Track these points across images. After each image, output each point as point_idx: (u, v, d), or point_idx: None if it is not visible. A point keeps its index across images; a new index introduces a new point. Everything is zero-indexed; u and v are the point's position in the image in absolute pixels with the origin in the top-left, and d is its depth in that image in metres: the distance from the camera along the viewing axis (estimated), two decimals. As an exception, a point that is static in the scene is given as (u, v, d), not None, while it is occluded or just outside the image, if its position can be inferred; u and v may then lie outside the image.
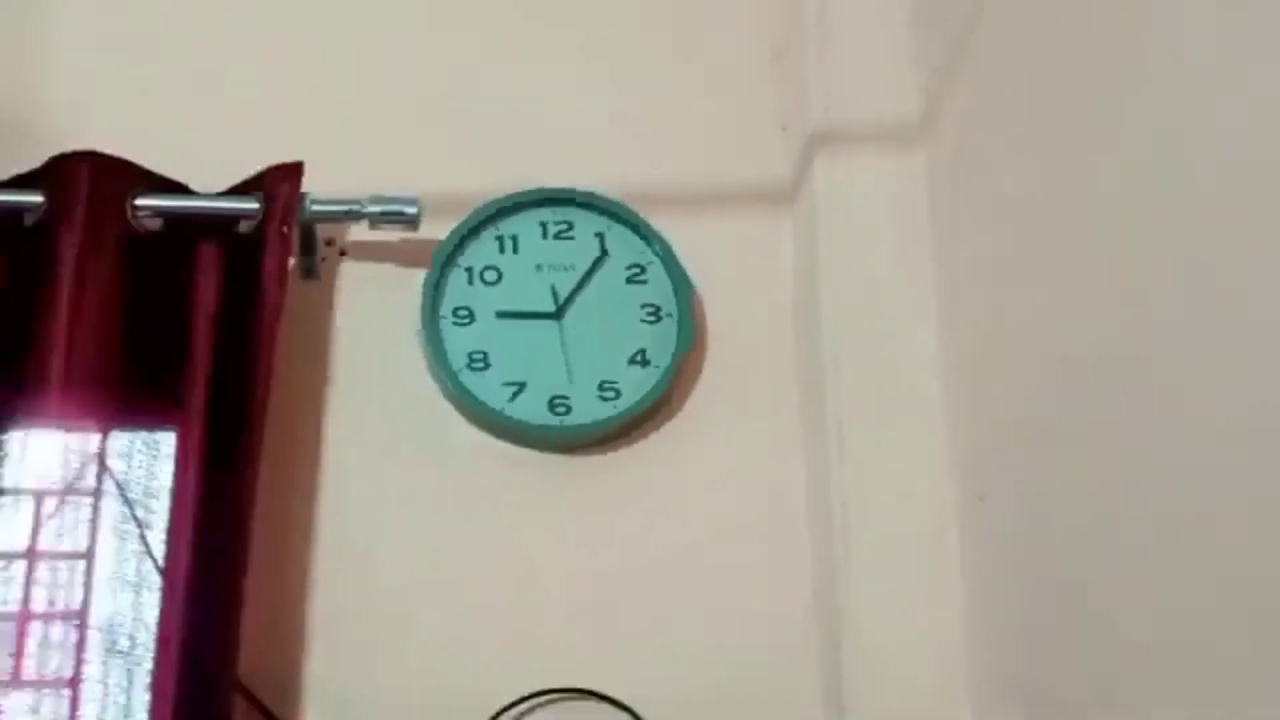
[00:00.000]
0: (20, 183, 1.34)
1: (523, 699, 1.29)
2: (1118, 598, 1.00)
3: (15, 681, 1.25)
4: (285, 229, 1.35)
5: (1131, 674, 0.98)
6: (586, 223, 1.45)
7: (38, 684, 1.25)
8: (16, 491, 1.28)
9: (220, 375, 1.31)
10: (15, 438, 1.29)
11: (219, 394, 1.30)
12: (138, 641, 1.26)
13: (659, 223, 1.45)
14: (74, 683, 1.25)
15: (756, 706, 1.31)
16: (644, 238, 1.45)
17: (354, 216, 1.39)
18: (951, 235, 1.36)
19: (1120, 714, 0.99)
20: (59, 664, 1.26)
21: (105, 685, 1.25)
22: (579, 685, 1.30)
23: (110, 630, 1.27)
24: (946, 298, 1.35)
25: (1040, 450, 1.15)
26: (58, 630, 1.26)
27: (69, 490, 1.30)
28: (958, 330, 1.33)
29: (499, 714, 1.28)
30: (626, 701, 1.29)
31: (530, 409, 1.38)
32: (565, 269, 1.43)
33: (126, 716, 1.25)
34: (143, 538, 1.28)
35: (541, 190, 1.46)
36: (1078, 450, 1.07)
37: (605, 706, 1.29)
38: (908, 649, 1.25)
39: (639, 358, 1.41)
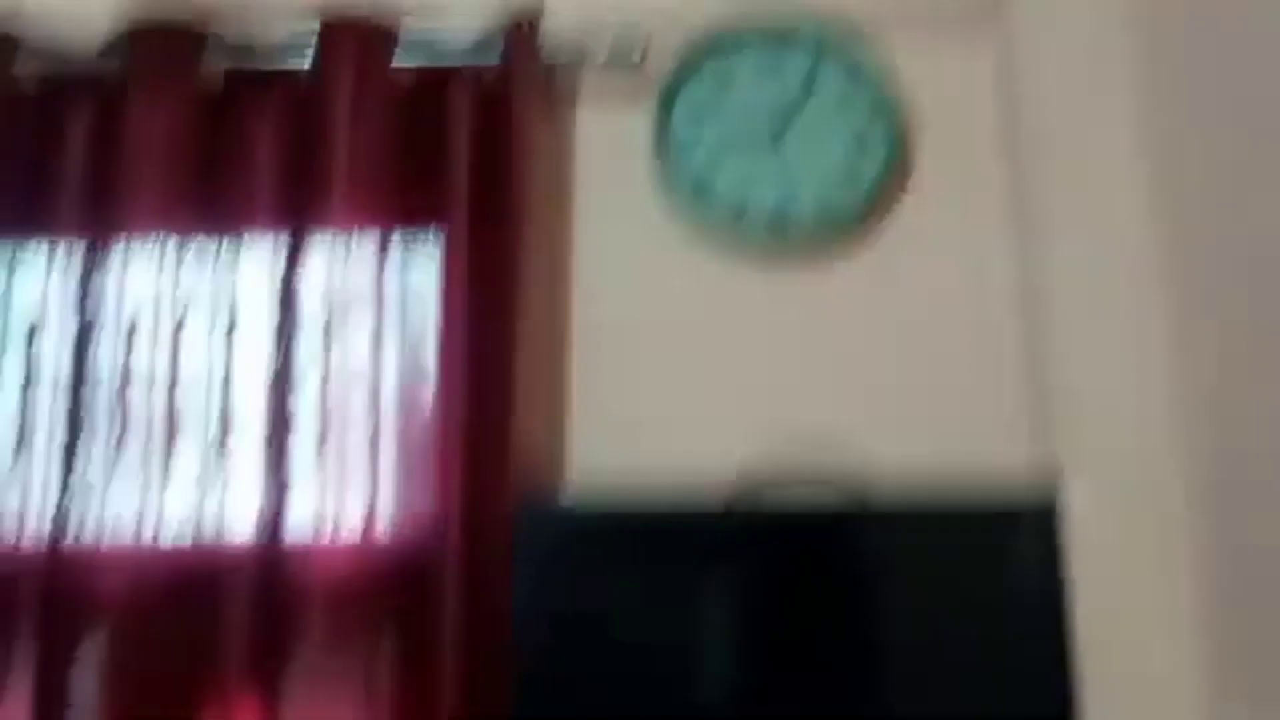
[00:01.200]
0: (293, 46, 1.54)
1: (762, 482, 1.41)
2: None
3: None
4: (527, 72, 1.51)
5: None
6: (799, 54, 1.56)
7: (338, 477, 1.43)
8: (305, 300, 1.47)
9: (479, 204, 1.48)
10: (302, 258, 1.48)
11: (479, 218, 1.47)
12: (420, 430, 1.43)
13: (867, 51, 1.55)
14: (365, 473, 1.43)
15: (976, 466, 1.41)
16: (853, 65, 1.55)
17: (588, 58, 1.55)
18: (1146, 44, 1.43)
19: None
20: (351, 459, 1.43)
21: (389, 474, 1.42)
22: (810, 462, 1.42)
23: (397, 416, 1.43)
24: (1144, 101, 1.42)
25: (1242, 228, 1.22)
26: (354, 430, 1.44)
27: (355, 299, 1.47)
28: (1157, 131, 1.39)
29: (737, 494, 1.40)
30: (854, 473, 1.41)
31: (753, 229, 1.51)
32: (780, 98, 1.54)
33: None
34: (423, 338, 1.46)
35: (757, 20, 1.56)
36: None
37: (833, 488, 1.41)
38: (1110, 403, 1.33)
39: (851, 177, 1.52)
